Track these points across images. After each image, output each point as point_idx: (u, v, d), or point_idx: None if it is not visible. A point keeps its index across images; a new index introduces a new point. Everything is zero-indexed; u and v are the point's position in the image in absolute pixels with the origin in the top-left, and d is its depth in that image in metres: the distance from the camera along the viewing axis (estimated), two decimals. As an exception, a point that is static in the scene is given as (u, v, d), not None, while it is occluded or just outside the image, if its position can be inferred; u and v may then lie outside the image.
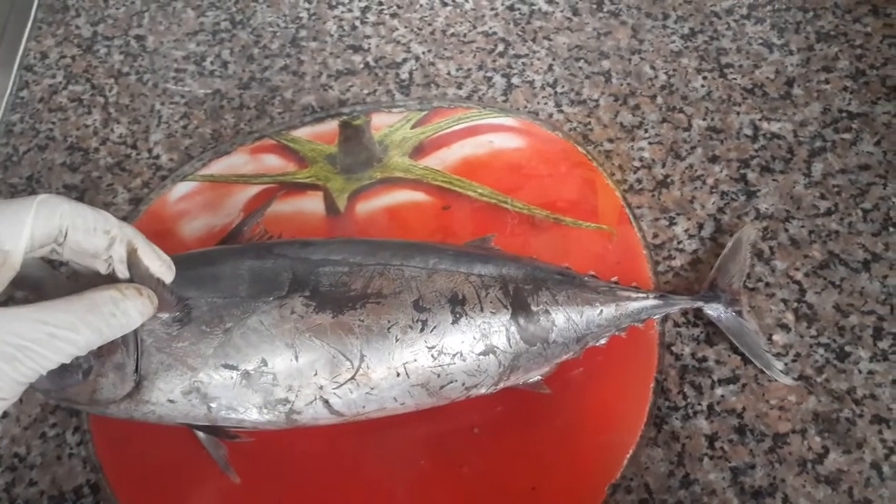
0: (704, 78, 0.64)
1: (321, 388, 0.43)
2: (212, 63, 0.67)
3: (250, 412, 0.43)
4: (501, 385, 0.46)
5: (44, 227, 0.34)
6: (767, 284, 0.53)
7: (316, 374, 0.42)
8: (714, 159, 0.60)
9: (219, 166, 0.60)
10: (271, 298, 0.43)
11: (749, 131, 0.61)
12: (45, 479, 0.48)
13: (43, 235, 0.35)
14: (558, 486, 0.47)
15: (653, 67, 0.65)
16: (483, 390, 0.46)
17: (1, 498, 0.48)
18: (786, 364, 0.50)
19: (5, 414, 0.50)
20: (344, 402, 0.43)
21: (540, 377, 0.47)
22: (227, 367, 0.42)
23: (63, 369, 0.42)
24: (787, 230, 0.56)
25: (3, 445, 0.49)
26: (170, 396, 0.42)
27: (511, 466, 0.47)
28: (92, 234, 0.36)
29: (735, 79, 0.64)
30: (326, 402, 0.43)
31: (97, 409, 0.44)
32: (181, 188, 0.59)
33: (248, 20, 0.70)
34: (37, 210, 0.34)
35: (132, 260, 0.39)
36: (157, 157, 0.62)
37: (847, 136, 0.60)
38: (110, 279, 0.39)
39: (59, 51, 0.69)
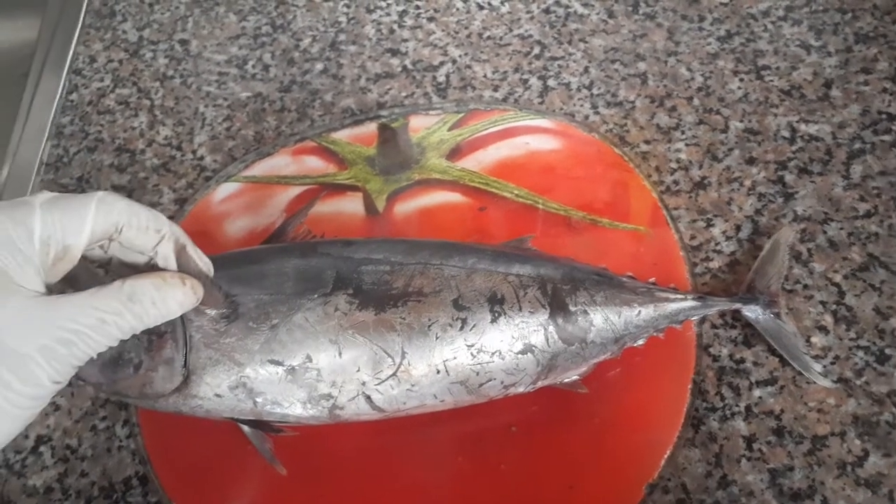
0: (741, 80, 0.64)
1: (363, 384, 0.44)
2: (253, 66, 0.69)
3: (295, 407, 0.44)
4: (539, 384, 0.47)
5: (102, 224, 0.36)
6: (806, 287, 0.53)
7: (359, 371, 0.43)
8: (751, 161, 0.59)
9: (261, 168, 0.62)
10: (316, 296, 0.44)
11: (787, 133, 0.61)
12: (95, 471, 0.50)
13: (101, 231, 0.36)
14: (595, 485, 0.47)
15: (689, 69, 0.65)
16: (521, 389, 0.47)
17: (54, 488, 0.49)
18: (824, 366, 0.50)
19: (57, 406, 0.52)
20: (385, 398, 0.44)
21: (577, 377, 0.48)
22: (272, 362, 0.43)
23: (115, 364, 0.44)
24: (825, 232, 0.56)
25: (56, 437, 0.51)
26: (217, 391, 0.44)
27: (548, 465, 0.48)
28: (144, 232, 0.38)
29: (772, 80, 0.64)
30: (368, 397, 0.44)
31: (146, 402, 0.45)
32: (225, 189, 0.61)
33: (289, 24, 0.71)
34: (97, 207, 0.35)
35: (181, 258, 0.40)
36: (202, 158, 0.63)
37: (887, 137, 0.60)
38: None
39: (107, 55, 0.71)
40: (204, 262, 0.41)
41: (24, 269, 0.33)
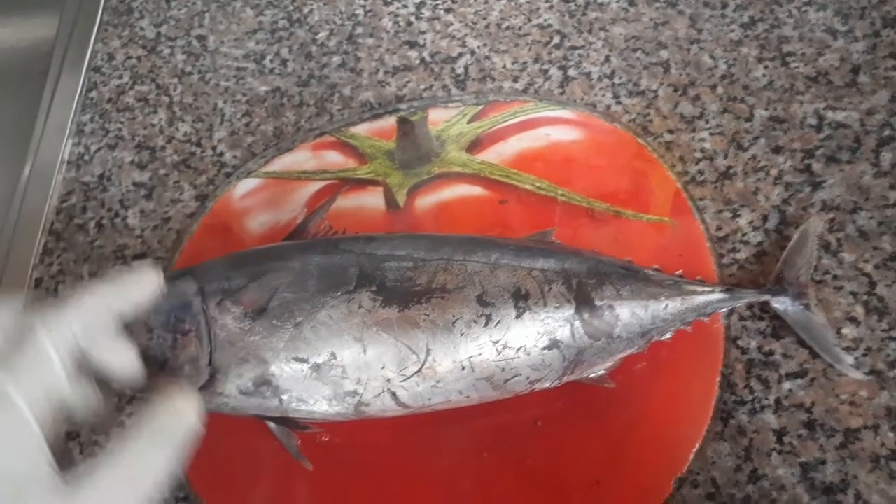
0: (766, 67, 0.63)
1: (388, 380, 0.43)
2: (271, 61, 0.68)
3: (320, 404, 0.44)
4: (565, 379, 0.47)
5: (71, 361, 0.32)
6: (835, 277, 0.52)
7: (383, 368, 0.43)
8: (777, 150, 0.58)
9: (281, 163, 0.62)
10: (339, 293, 0.44)
11: (813, 121, 0.60)
12: (122, 468, 0.50)
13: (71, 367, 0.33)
14: (623, 479, 0.47)
15: (712, 57, 0.64)
16: (547, 384, 0.46)
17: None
18: (856, 358, 0.49)
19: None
20: (410, 394, 0.44)
21: (604, 371, 0.47)
22: (297, 360, 0.43)
23: (140, 362, 0.44)
24: (854, 221, 0.55)
25: (84, 433, 0.51)
26: (242, 389, 0.44)
27: (575, 460, 0.47)
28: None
29: (798, 67, 0.63)
30: (394, 394, 0.44)
31: (172, 400, 0.45)
32: (245, 185, 0.61)
33: (306, 18, 0.71)
34: (57, 350, 0.32)
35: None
36: (221, 154, 0.63)
37: (917, 123, 0.59)
38: None
39: (125, 52, 0.71)
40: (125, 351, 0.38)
41: (37, 468, 0.29)
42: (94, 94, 0.69)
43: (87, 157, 0.65)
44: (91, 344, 0.34)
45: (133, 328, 0.45)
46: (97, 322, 0.35)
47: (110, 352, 0.36)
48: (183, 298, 0.44)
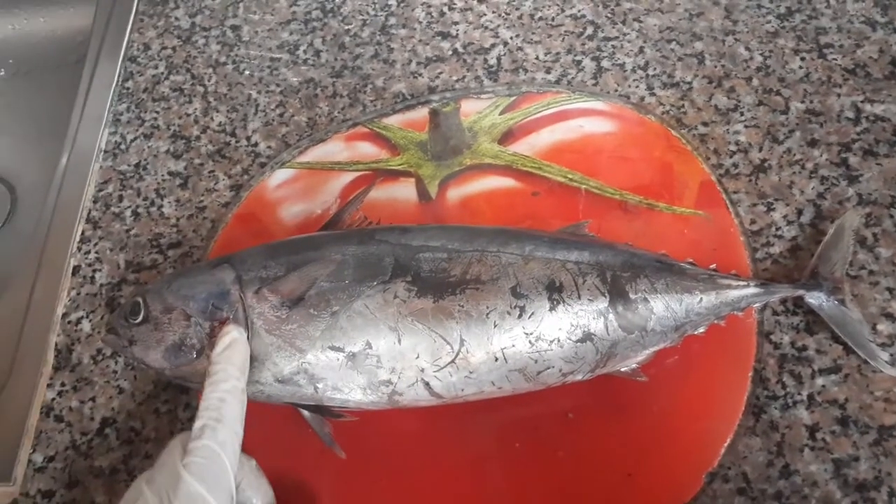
0: (802, 59, 0.62)
1: (422, 370, 0.44)
2: (305, 52, 0.69)
3: (355, 393, 0.44)
4: (598, 372, 0.47)
5: None
6: (871, 272, 0.52)
7: (418, 357, 0.44)
8: (813, 143, 0.58)
9: (315, 153, 0.62)
10: (375, 283, 0.44)
11: (851, 114, 0.59)
12: (159, 452, 0.51)
13: None
14: (654, 473, 0.47)
15: (748, 48, 0.63)
16: (579, 377, 0.46)
17: (119, 469, 0.51)
18: (891, 355, 0.49)
19: (121, 390, 0.53)
20: (444, 384, 0.44)
21: (636, 365, 0.47)
22: (333, 349, 0.43)
23: (177, 349, 0.45)
24: (892, 216, 0.54)
25: (121, 420, 0.52)
26: (278, 377, 0.44)
27: (606, 452, 0.48)
28: None
29: (835, 59, 0.62)
30: (427, 384, 0.44)
31: (209, 387, 0.46)
32: (280, 175, 0.61)
33: (339, 8, 0.71)
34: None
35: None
36: (256, 144, 0.64)
37: (958, 117, 0.58)
38: None
39: (161, 42, 0.72)
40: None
41: None
42: (130, 83, 0.69)
43: (123, 147, 0.65)
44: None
45: (171, 315, 0.46)
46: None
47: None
48: (221, 286, 0.45)
